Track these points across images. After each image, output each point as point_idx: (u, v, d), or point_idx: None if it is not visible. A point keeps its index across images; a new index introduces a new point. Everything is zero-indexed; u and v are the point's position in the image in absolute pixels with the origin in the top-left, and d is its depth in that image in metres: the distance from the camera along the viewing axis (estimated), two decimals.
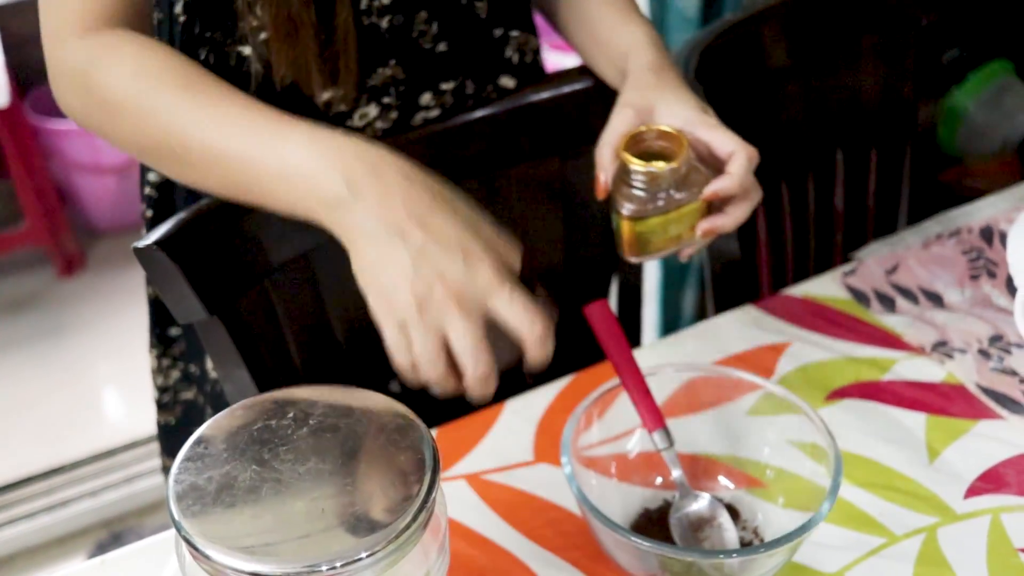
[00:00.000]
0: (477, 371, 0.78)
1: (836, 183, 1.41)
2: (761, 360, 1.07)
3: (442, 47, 1.05)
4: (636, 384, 0.88)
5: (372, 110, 1.05)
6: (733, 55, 1.23)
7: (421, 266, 0.76)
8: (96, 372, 2.51)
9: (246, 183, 0.83)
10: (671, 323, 2.12)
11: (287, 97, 1.00)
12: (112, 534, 2.11)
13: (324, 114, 1.02)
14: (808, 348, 1.08)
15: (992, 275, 1.17)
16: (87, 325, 2.63)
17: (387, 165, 0.79)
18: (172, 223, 0.92)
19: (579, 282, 1.23)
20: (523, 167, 1.13)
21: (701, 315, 2.04)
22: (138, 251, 0.91)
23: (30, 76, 2.67)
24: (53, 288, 2.75)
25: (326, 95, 1.01)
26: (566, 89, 1.12)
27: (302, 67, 0.97)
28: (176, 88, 0.84)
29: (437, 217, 0.78)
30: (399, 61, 1.04)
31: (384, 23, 1.01)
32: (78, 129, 2.64)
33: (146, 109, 0.84)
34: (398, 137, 1.05)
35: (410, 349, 0.78)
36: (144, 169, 1.12)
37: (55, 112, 2.71)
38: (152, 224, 1.13)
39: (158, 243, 0.90)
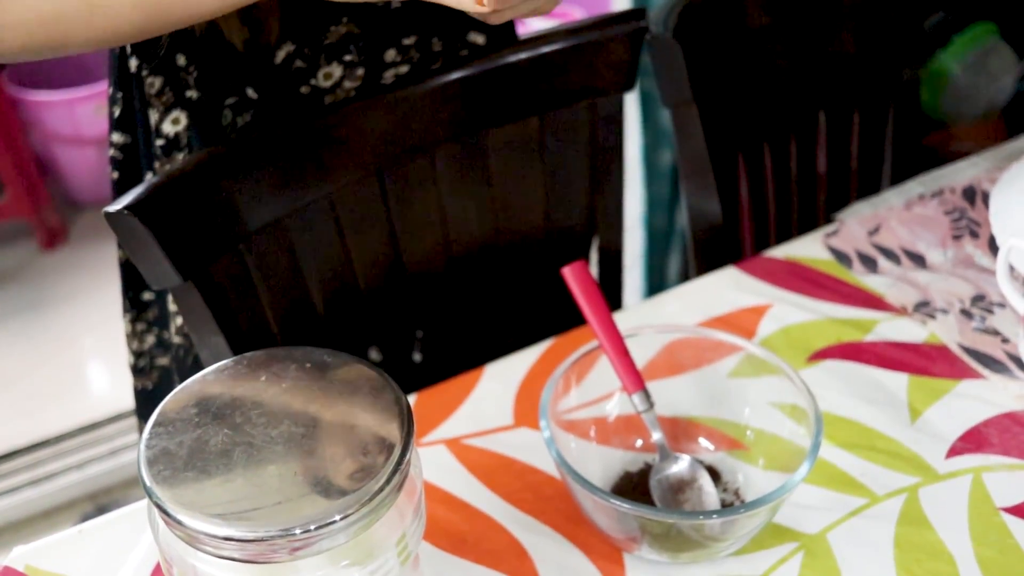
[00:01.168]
0: None
1: (818, 145, 1.40)
2: (742, 322, 1.06)
3: (396, 3, 1.04)
4: (615, 346, 0.87)
5: (336, 69, 1.04)
6: (713, 14, 1.22)
7: None
8: (80, 345, 2.50)
9: None
10: (655, 290, 2.11)
11: (241, 57, 0.99)
12: (98, 506, 2.11)
13: (285, 73, 1.01)
14: (790, 309, 1.07)
15: (975, 235, 1.16)
16: (70, 297, 2.61)
17: None
18: (144, 187, 0.91)
19: (559, 247, 1.22)
20: (501, 129, 1.12)
21: (685, 281, 2.04)
22: (109, 216, 0.90)
23: None
24: (35, 261, 2.74)
25: (282, 53, 0.99)
26: (544, 50, 1.10)
27: None
28: None
29: None
30: (351, 18, 1.02)
31: None
32: (59, 100, 2.62)
33: None
34: (372, 100, 1.04)
35: None
36: (109, 130, 1.10)
37: (35, 83, 2.69)
38: (118, 187, 1.11)
39: (129, 207, 0.89)
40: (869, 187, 1.47)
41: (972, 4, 2.48)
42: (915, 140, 1.52)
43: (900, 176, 1.46)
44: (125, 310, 1.17)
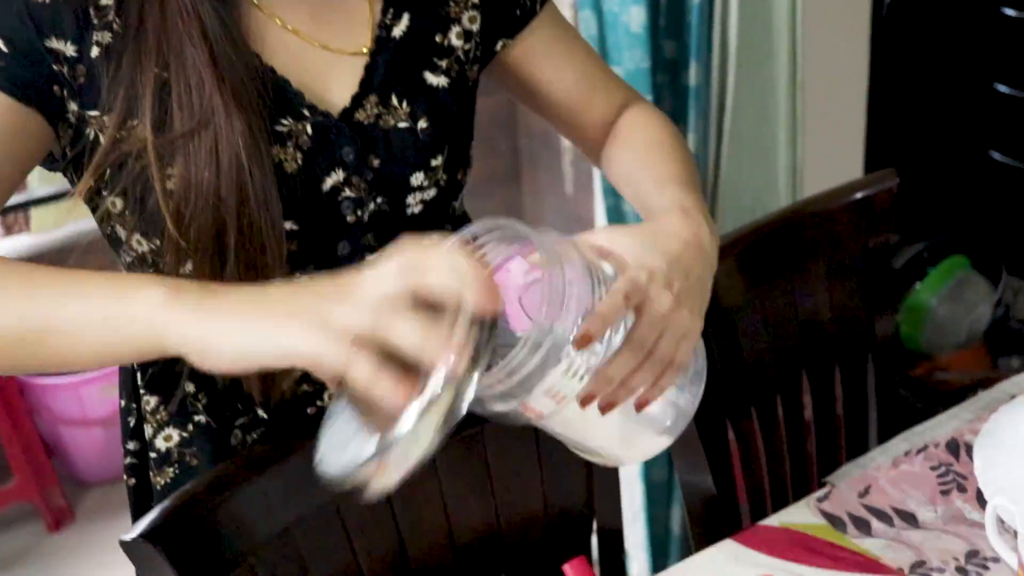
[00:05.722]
0: None
1: (804, 401, 1.45)
2: None
3: None
4: None
5: None
6: None
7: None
8: None
9: (107, 336, 0.79)
10: (659, 543, 2.12)
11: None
12: None
13: (293, 397, 1.07)
14: None
15: (962, 489, 1.19)
16: None
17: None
18: (157, 512, 0.94)
19: (560, 531, 1.25)
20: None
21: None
22: (124, 544, 0.93)
23: None
24: (42, 543, 2.74)
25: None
26: None
27: None
28: (19, 277, 0.83)
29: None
30: None
31: None
32: (65, 383, 2.69)
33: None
34: None
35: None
36: (123, 438, 1.14)
37: None
38: (135, 493, 1.16)
39: (144, 535, 0.92)
40: (857, 434, 1.51)
41: (943, 239, 2.59)
42: (897, 382, 1.57)
43: (886, 418, 1.50)
44: None
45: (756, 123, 1.84)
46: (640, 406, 0.89)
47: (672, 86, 1.87)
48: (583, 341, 0.81)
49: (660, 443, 0.96)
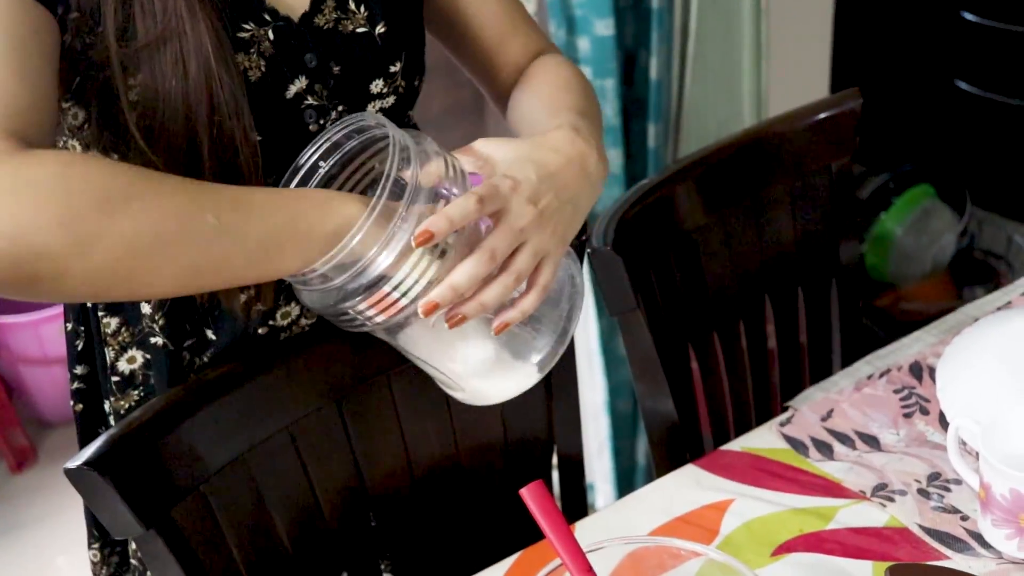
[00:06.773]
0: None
1: (767, 326, 1.44)
2: (705, 520, 1.07)
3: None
4: (578, 564, 0.87)
5: (294, 309, 1.07)
6: (649, 222, 1.26)
7: None
8: (54, 566, 2.46)
9: (279, 237, 0.83)
10: (625, 474, 2.12)
11: (204, 306, 1.03)
12: None
13: (245, 318, 1.04)
14: (751, 503, 1.08)
15: (925, 412, 1.18)
16: (42, 519, 2.58)
17: None
18: (103, 440, 0.92)
19: (520, 458, 1.24)
20: None
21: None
22: (69, 472, 0.91)
23: None
24: (5, 484, 2.71)
25: (243, 297, 1.02)
26: None
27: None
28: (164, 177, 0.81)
29: None
30: None
31: None
32: (24, 322, 2.64)
33: (163, 190, 0.79)
34: (325, 331, 1.06)
35: None
36: (71, 363, 1.12)
37: None
38: (82, 418, 1.13)
39: (89, 462, 0.90)
40: (821, 361, 1.50)
41: (909, 169, 2.58)
42: (861, 308, 1.56)
43: (849, 346, 1.49)
44: (92, 540, 1.18)
45: (720, 48, 1.81)
46: (499, 328, 0.87)
47: (635, 9, 1.83)
48: (422, 237, 0.80)
49: (527, 377, 0.93)
